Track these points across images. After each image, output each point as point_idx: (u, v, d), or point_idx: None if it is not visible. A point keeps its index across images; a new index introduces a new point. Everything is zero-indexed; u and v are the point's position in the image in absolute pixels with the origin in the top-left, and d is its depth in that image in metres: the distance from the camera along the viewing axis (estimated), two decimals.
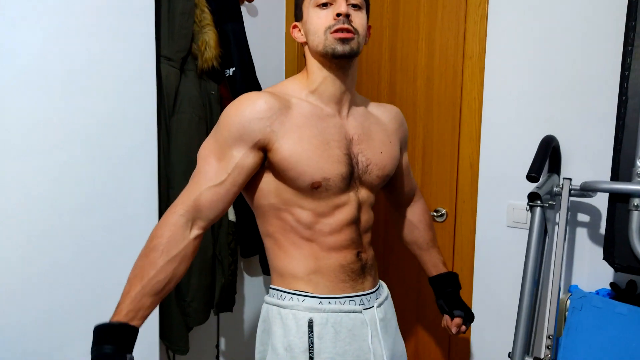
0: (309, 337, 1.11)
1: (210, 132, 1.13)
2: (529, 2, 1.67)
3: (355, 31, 1.11)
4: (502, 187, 1.76)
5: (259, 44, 2.03)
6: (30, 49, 1.14)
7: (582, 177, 1.55)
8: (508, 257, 1.76)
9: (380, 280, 1.30)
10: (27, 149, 1.15)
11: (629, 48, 1.35)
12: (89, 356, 0.92)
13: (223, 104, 1.74)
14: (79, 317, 1.26)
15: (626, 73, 1.35)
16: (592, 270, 1.60)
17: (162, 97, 1.52)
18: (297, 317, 1.12)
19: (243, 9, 1.95)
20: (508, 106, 1.73)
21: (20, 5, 1.11)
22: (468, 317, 1.41)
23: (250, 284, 2.13)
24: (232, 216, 1.76)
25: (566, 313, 1.42)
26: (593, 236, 1.61)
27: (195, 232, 1.06)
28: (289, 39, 2.23)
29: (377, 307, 1.21)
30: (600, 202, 1.57)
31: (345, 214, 1.15)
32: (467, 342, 1.87)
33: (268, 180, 1.13)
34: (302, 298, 1.13)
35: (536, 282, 1.44)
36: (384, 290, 1.29)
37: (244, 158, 1.07)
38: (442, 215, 1.90)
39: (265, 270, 2.00)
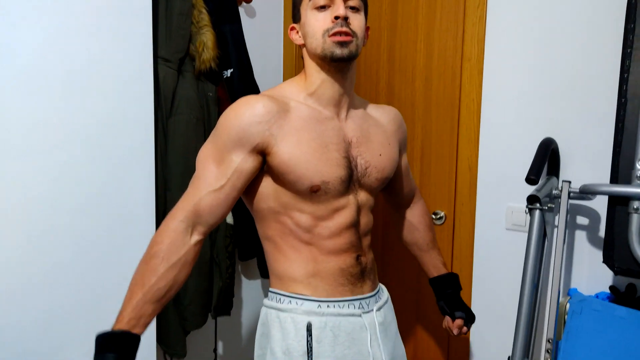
0: (308, 341, 1.10)
1: (207, 133, 1.13)
2: (527, 3, 1.66)
3: (353, 34, 1.10)
4: (501, 190, 1.75)
5: (257, 45, 2.03)
6: (30, 49, 1.14)
7: (581, 179, 1.55)
8: (507, 260, 1.75)
9: (380, 284, 1.30)
10: (26, 149, 1.15)
11: (628, 50, 1.35)
12: (89, 357, 0.92)
13: (221, 105, 1.73)
14: (78, 317, 1.26)
15: (625, 75, 1.35)
16: (592, 274, 1.59)
17: (159, 98, 1.51)
18: (296, 321, 1.11)
19: (241, 10, 1.94)
20: (507, 108, 1.72)
21: (20, 5, 1.11)
22: (469, 318, 1.41)
23: (248, 287, 2.12)
24: (229, 219, 1.75)
25: (566, 316, 1.42)
26: (592, 239, 1.60)
27: (196, 237, 1.05)
28: (287, 40, 2.22)
29: (377, 310, 1.20)
30: (600, 204, 1.57)
31: (345, 217, 1.15)
32: (466, 345, 1.86)
33: (267, 184, 1.12)
34: (300, 301, 1.13)
35: (535, 285, 1.44)
36: (384, 293, 1.29)
37: (243, 162, 1.06)
38: (440, 217, 1.89)
39: (263, 273, 1.99)
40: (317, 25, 1.11)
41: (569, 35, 1.60)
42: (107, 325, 0.96)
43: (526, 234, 1.51)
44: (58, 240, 1.22)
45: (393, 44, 1.97)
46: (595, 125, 1.56)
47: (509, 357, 1.42)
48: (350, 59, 1.11)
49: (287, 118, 1.09)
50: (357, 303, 1.17)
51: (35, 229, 1.18)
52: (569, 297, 1.46)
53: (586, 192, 1.42)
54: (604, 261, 1.40)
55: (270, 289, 1.18)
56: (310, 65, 1.16)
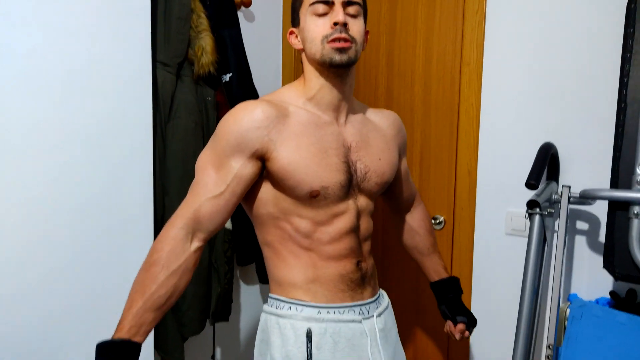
0: (307, 347, 1.09)
1: (206, 138, 1.12)
2: (526, 8, 1.66)
3: (352, 40, 1.10)
4: (500, 195, 1.75)
5: (255, 49, 2.02)
6: (30, 49, 1.14)
7: (581, 184, 1.54)
8: (507, 265, 1.74)
9: (381, 289, 1.29)
10: (24, 150, 1.15)
11: (628, 55, 1.35)
12: (87, 358, 0.91)
13: (219, 109, 1.72)
14: (76, 318, 1.26)
15: (625, 80, 1.35)
16: (592, 279, 1.59)
17: (157, 102, 1.51)
18: (296, 327, 1.11)
19: (240, 14, 1.94)
20: (506, 113, 1.72)
21: (20, 6, 1.11)
22: (471, 322, 1.41)
23: (247, 293, 2.10)
24: (228, 224, 1.74)
25: (566, 322, 1.41)
26: (592, 244, 1.60)
27: (196, 244, 1.05)
28: (286, 44, 2.22)
29: (377, 316, 1.19)
30: (600, 209, 1.56)
31: (344, 222, 1.14)
32: (466, 350, 1.86)
33: (266, 190, 1.12)
34: (300, 308, 1.12)
35: (535, 291, 1.43)
36: (384, 299, 1.28)
37: (242, 168, 1.06)
38: (440, 222, 1.88)
39: (262, 278, 1.98)
40: (317, 30, 1.10)
41: (568, 40, 1.60)
42: (105, 327, 0.95)
43: (526, 239, 1.51)
44: (56, 242, 1.21)
45: (392, 48, 1.97)
46: (595, 129, 1.56)
47: None
48: (349, 64, 1.11)
49: (286, 123, 1.09)
50: (357, 309, 1.16)
51: (33, 231, 1.17)
52: (569, 303, 1.46)
53: (586, 197, 1.42)
54: (605, 266, 1.40)
55: (270, 295, 1.18)
56: (309, 70, 1.15)
